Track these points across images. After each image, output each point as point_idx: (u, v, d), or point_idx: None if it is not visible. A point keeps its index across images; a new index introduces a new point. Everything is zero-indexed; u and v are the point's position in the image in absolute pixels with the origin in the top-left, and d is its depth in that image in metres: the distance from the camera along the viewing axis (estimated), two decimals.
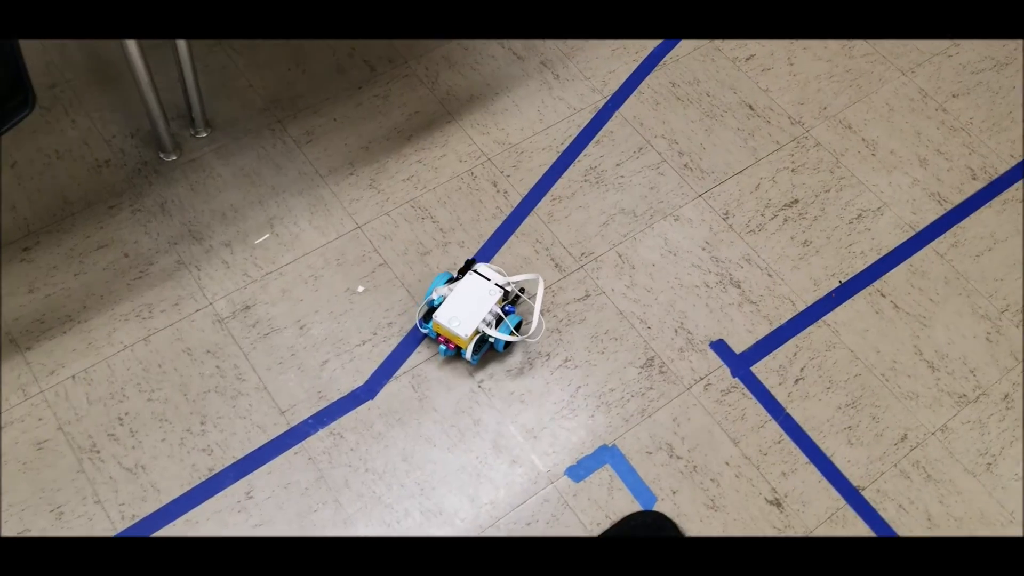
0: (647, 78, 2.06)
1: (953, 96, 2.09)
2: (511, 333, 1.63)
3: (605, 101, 2.02)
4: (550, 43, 2.09)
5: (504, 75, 2.04)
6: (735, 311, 1.78)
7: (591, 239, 1.84)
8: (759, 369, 1.72)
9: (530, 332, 1.68)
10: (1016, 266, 1.87)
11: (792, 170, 1.96)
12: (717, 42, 2.12)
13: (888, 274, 1.84)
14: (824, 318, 1.78)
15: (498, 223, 1.84)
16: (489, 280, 1.64)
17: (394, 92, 1.99)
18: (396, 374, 1.66)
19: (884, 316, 1.79)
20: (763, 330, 1.76)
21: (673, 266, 1.82)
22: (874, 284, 1.83)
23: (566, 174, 1.92)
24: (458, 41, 2.07)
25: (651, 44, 2.11)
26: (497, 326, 1.63)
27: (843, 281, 1.83)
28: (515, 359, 1.68)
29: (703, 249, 1.85)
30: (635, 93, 2.04)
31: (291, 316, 1.70)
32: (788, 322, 1.77)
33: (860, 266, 1.85)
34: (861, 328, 1.77)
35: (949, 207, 1.94)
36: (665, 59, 2.09)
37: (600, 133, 1.98)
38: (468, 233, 1.82)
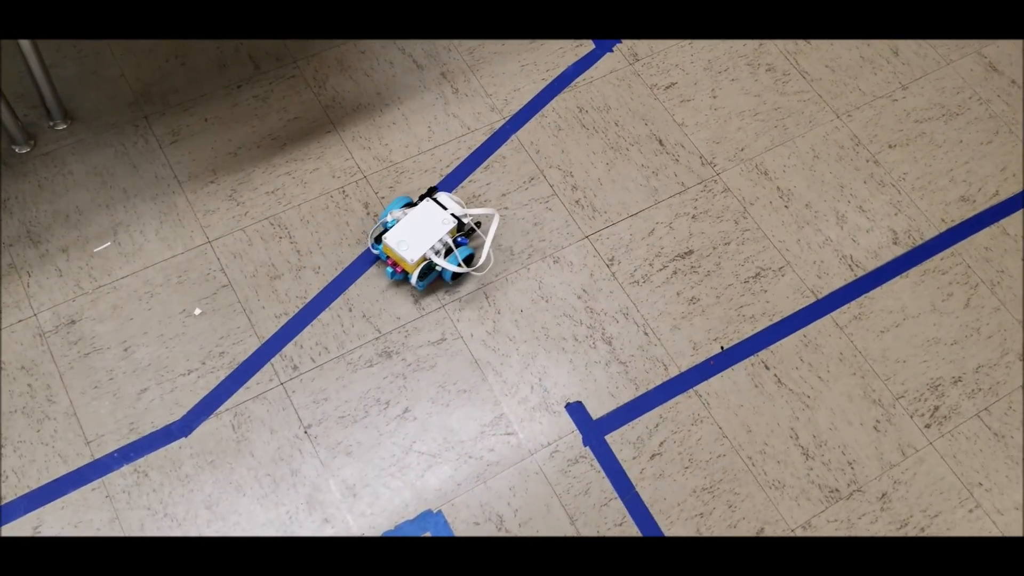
0: (553, 100, 1.90)
1: (889, 146, 1.91)
2: (458, 264, 1.61)
3: (503, 122, 1.87)
4: (454, 53, 1.93)
5: (399, 84, 1.89)
6: (600, 371, 1.64)
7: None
8: (615, 439, 1.58)
9: (478, 266, 1.66)
10: (923, 348, 1.71)
11: (693, 217, 1.80)
12: (637, 66, 1.95)
13: (777, 344, 1.69)
14: (697, 387, 1.64)
15: (361, 250, 1.71)
16: (446, 209, 1.62)
17: (276, 94, 1.85)
18: (218, 410, 1.54)
19: (764, 391, 1.64)
20: (627, 395, 1.62)
21: (543, 314, 1.68)
22: (759, 354, 1.68)
23: None
24: (354, 42, 1.92)
25: (565, 62, 1.95)
26: (447, 256, 1.61)
27: (725, 347, 1.68)
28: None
29: (579, 298, 1.70)
30: (537, 116, 1.88)
31: (117, 336, 1.58)
32: (656, 388, 1.63)
33: (748, 332, 1.70)
34: (735, 403, 1.63)
35: (860, 273, 1.77)
36: (577, 80, 1.93)
37: (491, 157, 1.83)
38: (327, 258, 1.69)
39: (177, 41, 1.88)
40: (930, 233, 1.82)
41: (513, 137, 1.86)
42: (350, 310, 1.65)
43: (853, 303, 1.74)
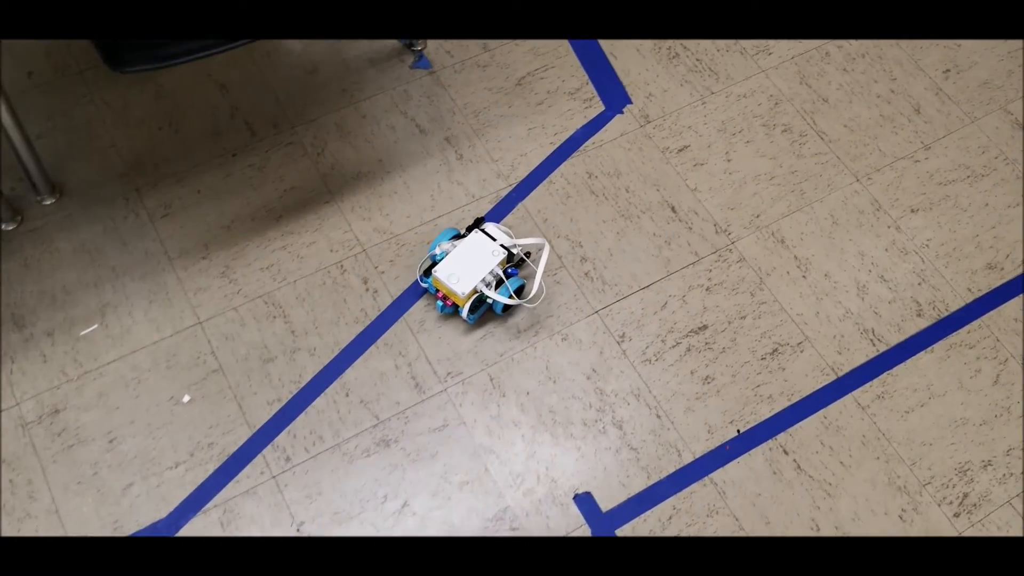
0: (562, 165, 1.83)
1: (912, 211, 1.83)
2: (510, 296, 1.59)
3: (510, 189, 1.79)
4: (459, 116, 1.86)
5: (401, 150, 1.82)
6: (611, 458, 1.55)
7: (462, 356, 1.62)
8: (626, 532, 1.50)
9: (529, 297, 1.64)
10: (950, 429, 1.61)
11: (707, 289, 1.72)
12: (648, 128, 1.87)
13: (796, 426, 1.60)
14: (712, 475, 1.55)
15: (360, 328, 1.63)
16: (495, 240, 1.60)
17: (272, 162, 1.78)
18: (205, 507, 1.47)
19: (783, 478, 1.55)
20: (639, 484, 1.54)
21: (550, 396, 1.60)
22: (778, 437, 1.59)
23: None
24: (355, 106, 1.85)
25: (573, 125, 1.87)
26: (497, 288, 1.58)
27: (741, 431, 1.59)
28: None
29: (588, 378, 1.62)
30: (545, 182, 1.81)
31: (103, 426, 1.51)
32: (669, 476, 1.55)
33: (765, 413, 1.61)
34: (753, 491, 1.54)
35: (883, 348, 1.68)
36: (586, 144, 1.86)
37: None
38: (323, 339, 1.62)
39: (171, 108, 1.82)
40: (956, 304, 1.74)
41: (520, 205, 1.78)
42: (347, 395, 1.57)
43: (876, 381, 1.65)
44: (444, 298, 1.60)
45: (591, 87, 1.92)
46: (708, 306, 1.70)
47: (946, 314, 1.72)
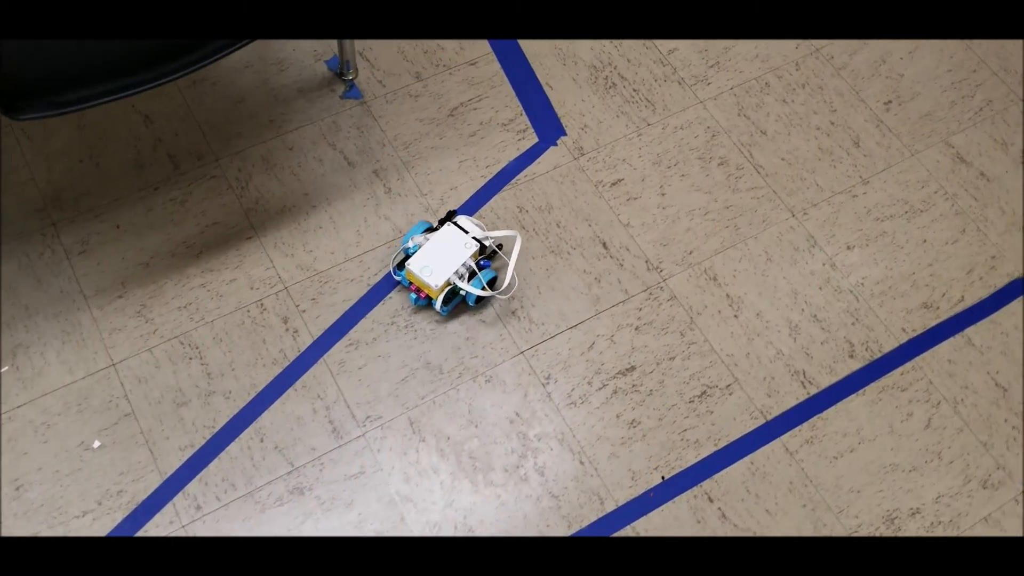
0: (492, 199, 1.79)
1: (848, 248, 1.80)
2: (483, 288, 1.61)
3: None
4: (388, 148, 1.82)
5: (327, 184, 1.78)
6: (531, 506, 1.52)
7: (383, 399, 1.59)
8: None
9: (502, 288, 1.65)
10: (879, 476, 1.59)
11: (636, 328, 1.69)
12: (582, 161, 1.84)
13: (722, 472, 1.57)
14: (635, 523, 1.52)
15: (278, 370, 1.60)
16: (467, 233, 1.62)
17: (194, 196, 1.74)
18: None
19: (707, 527, 1.53)
20: (559, 533, 1.51)
21: (471, 442, 1.57)
22: (703, 484, 1.56)
23: (371, 313, 1.66)
24: (282, 138, 1.82)
25: (505, 158, 1.84)
26: (470, 279, 1.60)
27: (666, 477, 1.56)
28: None
29: (511, 422, 1.59)
30: (474, 217, 1.77)
31: (9, 473, 1.48)
32: (591, 525, 1.52)
33: (691, 459, 1.58)
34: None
35: (813, 391, 1.66)
36: (518, 177, 1.82)
37: None
38: (239, 381, 1.58)
39: (94, 140, 1.77)
40: (889, 345, 1.71)
41: None
42: (261, 440, 1.54)
43: (805, 425, 1.63)
44: (418, 291, 1.62)
45: (525, 118, 1.89)
46: (637, 346, 1.67)
47: (879, 355, 1.70)
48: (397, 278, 1.67)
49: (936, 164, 1.90)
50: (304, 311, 1.65)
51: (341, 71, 1.88)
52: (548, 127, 1.88)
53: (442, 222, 1.66)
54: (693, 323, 1.70)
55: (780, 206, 1.83)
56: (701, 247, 1.77)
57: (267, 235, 1.72)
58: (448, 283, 1.60)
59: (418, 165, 1.82)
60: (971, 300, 1.76)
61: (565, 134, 1.88)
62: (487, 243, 1.65)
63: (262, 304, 1.65)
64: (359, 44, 1.93)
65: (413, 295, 1.62)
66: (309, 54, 1.92)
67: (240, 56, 1.90)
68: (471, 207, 1.78)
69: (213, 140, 1.80)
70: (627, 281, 1.73)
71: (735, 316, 1.71)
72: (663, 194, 1.82)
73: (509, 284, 1.68)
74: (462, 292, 1.63)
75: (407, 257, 1.63)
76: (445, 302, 1.62)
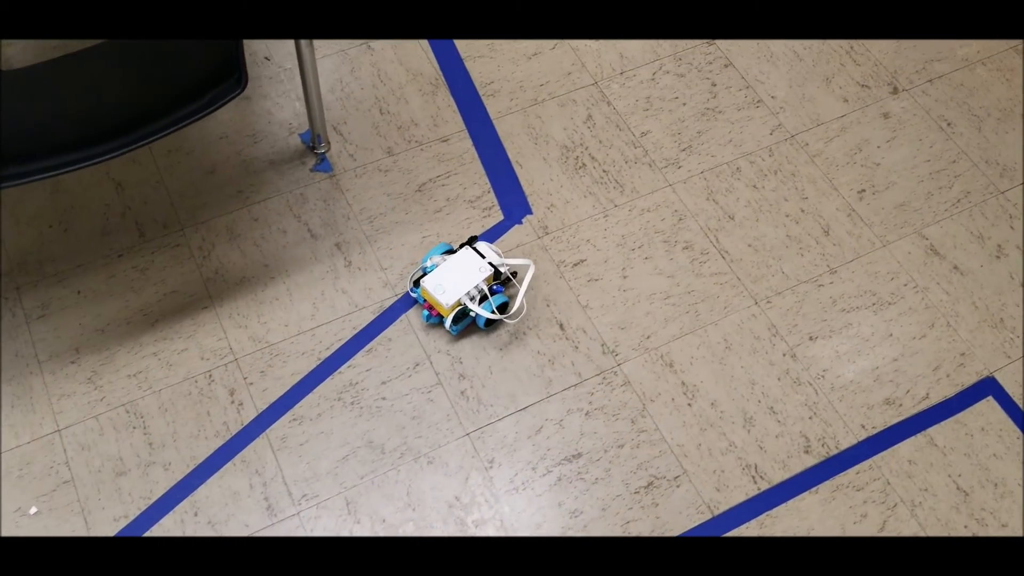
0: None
1: (810, 338, 1.76)
2: (492, 312, 1.66)
3: (394, 300, 1.76)
4: (353, 222, 1.84)
5: (288, 256, 1.79)
6: None
7: (321, 477, 1.58)
8: None
9: (510, 314, 1.72)
10: None
11: (587, 413, 1.66)
12: (545, 240, 1.84)
13: None
14: None
15: (220, 443, 1.60)
16: (484, 257, 1.69)
17: (156, 264, 1.76)
18: None
19: None
20: None
21: (406, 525, 1.54)
22: None
23: (319, 388, 1.66)
24: (248, 208, 1.84)
25: (469, 234, 1.84)
26: (482, 303, 1.65)
27: None
28: None
29: (450, 507, 1.57)
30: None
31: None
32: None
33: None
34: None
35: (764, 487, 1.61)
36: None
37: (376, 340, 1.72)
38: (180, 453, 1.58)
39: (65, 206, 1.81)
40: (847, 442, 1.66)
41: (403, 317, 1.75)
42: (195, 515, 1.53)
43: (753, 522, 1.58)
44: (430, 308, 1.68)
45: (492, 195, 1.89)
46: (585, 432, 1.65)
47: (835, 452, 1.65)
48: (413, 295, 1.74)
49: (908, 256, 1.86)
50: (252, 383, 1.66)
51: (313, 144, 1.91)
52: (514, 205, 1.88)
53: (462, 246, 1.72)
54: (645, 410, 1.67)
55: (743, 293, 1.80)
56: (659, 332, 1.75)
57: (223, 305, 1.73)
58: (459, 303, 1.66)
59: (381, 239, 1.83)
60: (936, 398, 1.71)
61: (531, 212, 1.88)
62: (502, 269, 1.70)
63: (210, 375, 1.66)
64: (334, 118, 1.96)
65: (426, 312, 1.69)
66: (284, 127, 1.95)
67: (215, 127, 1.93)
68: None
69: (181, 209, 1.83)
70: (581, 364, 1.71)
71: (689, 405, 1.68)
72: (625, 276, 1.81)
73: (517, 310, 1.73)
74: (472, 313, 1.67)
75: (424, 275, 1.69)
76: (455, 321, 1.68)
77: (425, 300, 1.69)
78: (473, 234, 1.80)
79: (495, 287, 1.71)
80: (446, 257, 1.71)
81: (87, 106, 1.32)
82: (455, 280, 1.66)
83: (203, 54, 1.34)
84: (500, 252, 1.74)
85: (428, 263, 1.71)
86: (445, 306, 1.65)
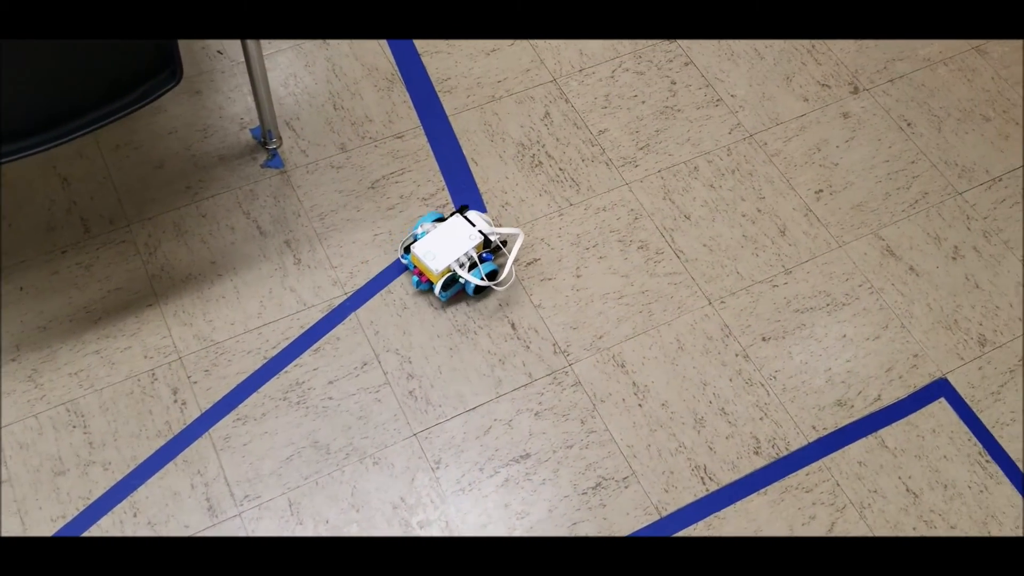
0: (403, 275, 1.77)
1: (763, 339, 1.75)
2: (481, 279, 1.68)
3: (344, 298, 1.74)
4: (303, 219, 1.81)
5: (236, 253, 1.77)
6: None
7: (264, 478, 1.55)
8: None
9: (498, 281, 1.73)
10: None
11: (536, 414, 1.64)
12: None
13: None
14: None
15: (161, 442, 1.57)
16: (474, 225, 1.70)
17: (101, 261, 1.73)
18: None
19: None
20: None
21: (349, 527, 1.52)
22: None
23: (264, 388, 1.64)
24: (196, 204, 1.81)
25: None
26: (471, 270, 1.67)
27: None
28: None
29: (394, 508, 1.54)
30: (383, 292, 1.75)
31: None
32: None
33: None
34: None
35: (713, 488, 1.60)
36: None
37: (324, 339, 1.69)
38: (121, 453, 1.55)
39: (8, 201, 1.78)
40: (797, 443, 1.65)
41: (353, 315, 1.72)
42: (135, 515, 1.50)
43: (701, 523, 1.57)
44: (420, 274, 1.71)
45: (446, 193, 1.87)
46: (535, 432, 1.63)
47: (785, 453, 1.64)
48: (404, 262, 1.74)
49: (863, 256, 1.85)
50: (196, 383, 1.63)
51: (264, 140, 1.88)
52: (468, 203, 1.86)
53: (453, 214, 1.73)
54: (595, 410, 1.65)
55: (697, 293, 1.79)
56: (612, 332, 1.73)
57: (168, 303, 1.70)
58: (448, 269, 1.67)
59: (331, 237, 1.80)
60: (888, 400, 1.70)
61: (485, 211, 1.86)
62: (492, 237, 1.71)
63: (153, 374, 1.63)
64: (286, 113, 1.94)
65: (416, 278, 1.71)
66: (235, 121, 1.92)
67: (165, 121, 1.90)
68: (380, 282, 1.76)
69: (128, 204, 1.80)
70: (532, 364, 1.69)
71: (640, 405, 1.66)
72: (579, 276, 1.79)
73: (505, 277, 1.74)
74: (461, 280, 1.69)
75: (415, 241, 1.71)
76: (445, 287, 1.69)
77: (415, 266, 1.71)
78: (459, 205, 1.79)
79: (485, 255, 1.72)
80: (437, 224, 1.72)
81: (10, 99, 1.29)
82: (445, 247, 1.68)
83: (136, 47, 1.31)
84: (491, 221, 1.75)
85: (419, 230, 1.72)
86: (435, 272, 1.66)
